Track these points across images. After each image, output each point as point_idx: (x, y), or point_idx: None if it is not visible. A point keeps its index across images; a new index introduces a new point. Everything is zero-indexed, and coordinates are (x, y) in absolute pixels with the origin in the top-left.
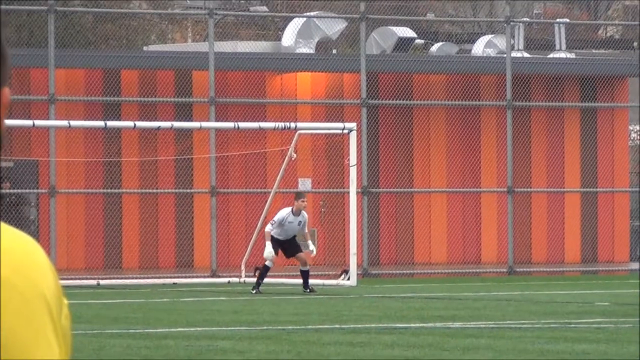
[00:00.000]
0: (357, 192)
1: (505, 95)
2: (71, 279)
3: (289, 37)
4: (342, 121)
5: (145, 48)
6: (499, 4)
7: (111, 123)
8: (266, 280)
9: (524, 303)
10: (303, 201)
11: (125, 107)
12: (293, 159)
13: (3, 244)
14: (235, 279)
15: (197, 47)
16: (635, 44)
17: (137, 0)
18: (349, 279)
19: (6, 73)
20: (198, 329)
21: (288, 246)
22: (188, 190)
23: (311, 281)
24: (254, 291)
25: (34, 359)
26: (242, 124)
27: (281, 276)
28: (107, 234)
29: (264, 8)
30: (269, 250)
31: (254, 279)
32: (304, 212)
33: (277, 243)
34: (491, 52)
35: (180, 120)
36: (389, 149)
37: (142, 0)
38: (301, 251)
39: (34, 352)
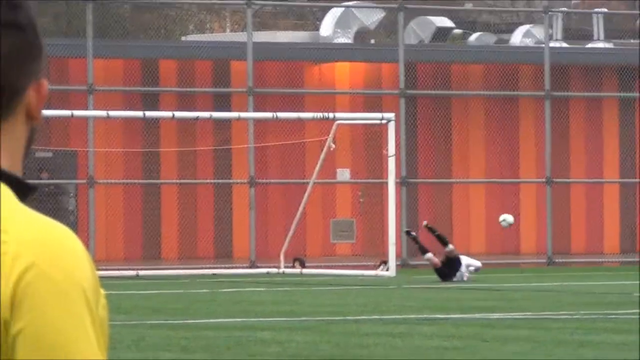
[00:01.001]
0: (396, 183)
1: (544, 85)
2: (110, 269)
3: (327, 27)
4: (381, 111)
5: (183, 38)
6: None
7: (150, 113)
8: (305, 271)
9: (563, 294)
10: None
11: (163, 97)
12: (331, 149)
13: (39, 235)
14: (274, 270)
15: (235, 37)
16: None
17: None
18: (388, 269)
19: (43, 64)
20: (237, 319)
21: None
22: (227, 181)
23: (349, 272)
24: None
25: (72, 351)
26: (281, 114)
27: (321, 267)
28: (145, 224)
29: None
30: None
31: (293, 270)
32: None
33: None
34: (529, 42)
35: (219, 111)
36: (427, 139)
37: None
38: None
39: (72, 344)
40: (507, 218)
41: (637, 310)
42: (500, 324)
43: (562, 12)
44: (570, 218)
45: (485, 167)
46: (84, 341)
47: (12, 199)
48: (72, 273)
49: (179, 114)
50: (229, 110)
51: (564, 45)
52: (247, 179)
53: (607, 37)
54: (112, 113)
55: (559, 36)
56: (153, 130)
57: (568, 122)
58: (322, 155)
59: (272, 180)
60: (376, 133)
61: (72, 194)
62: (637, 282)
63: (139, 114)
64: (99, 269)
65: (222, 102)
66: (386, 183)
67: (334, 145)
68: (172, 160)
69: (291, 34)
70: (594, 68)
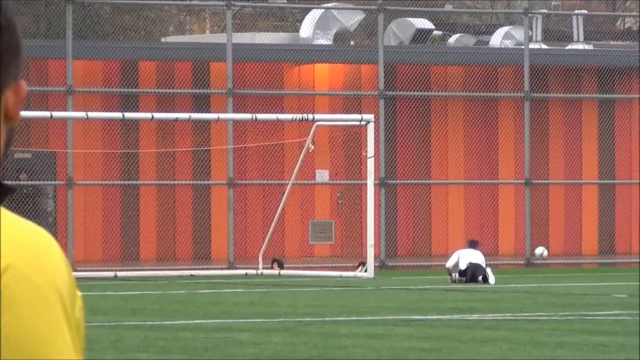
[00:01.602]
0: (375, 184)
1: (523, 86)
2: (88, 270)
3: (306, 29)
4: (360, 112)
5: (163, 39)
6: None
7: (129, 114)
8: (284, 272)
9: (541, 295)
10: None
11: (143, 98)
12: (311, 150)
13: (15, 237)
14: (253, 271)
15: (215, 39)
16: None
17: None
18: (366, 270)
19: (21, 65)
20: (215, 321)
21: None
22: (205, 182)
23: (328, 273)
24: None
25: (49, 352)
26: (260, 116)
27: (299, 268)
28: (124, 225)
29: None
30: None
31: (271, 271)
32: None
33: None
34: (509, 43)
35: (198, 112)
36: (406, 140)
37: None
38: None
39: (49, 345)
40: (542, 252)
41: (615, 312)
42: (478, 325)
43: (541, 13)
44: (549, 219)
45: (464, 168)
46: (60, 343)
47: None
48: (49, 275)
49: (158, 115)
50: (208, 112)
51: (544, 46)
52: (226, 180)
53: (587, 39)
54: (91, 114)
55: (539, 38)
56: (132, 131)
57: (547, 123)
58: (301, 157)
59: (251, 182)
60: (355, 134)
61: (50, 195)
62: (615, 283)
63: (118, 115)
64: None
65: (202, 103)
66: (365, 184)
67: (313, 147)
68: (151, 162)
69: (271, 35)
70: (574, 69)
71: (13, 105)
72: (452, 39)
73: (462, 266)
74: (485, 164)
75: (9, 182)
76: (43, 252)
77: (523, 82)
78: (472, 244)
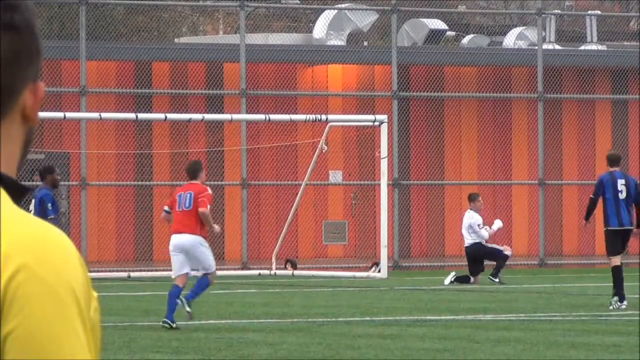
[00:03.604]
0: (388, 185)
1: (537, 87)
2: (102, 271)
3: (320, 29)
4: (373, 113)
5: (176, 40)
6: None
7: (142, 115)
8: (297, 272)
9: (555, 295)
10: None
11: (156, 99)
12: (324, 151)
13: (30, 237)
14: (266, 272)
15: (228, 39)
16: None
17: None
18: (379, 271)
19: (40, 67)
20: (228, 321)
21: None
22: (219, 183)
23: (341, 273)
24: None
25: (62, 352)
26: (273, 116)
27: (313, 268)
28: (137, 226)
29: (296, 0)
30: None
31: (285, 271)
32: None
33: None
34: (522, 44)
35: (211, 113)
36: (420, 141)
37: None
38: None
39: (62, 345)
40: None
41: (629, 312)
42: (492, 325)
43: (555, 14)
44: (562, 220)
45: (477, 168)
46: (74, 342)
47: (6, 200)
48: (62, 274)
49: (171, 116)
50: (222, 112)
51: (557, 47)
52: (240, 180)
53: (600, 39)
54: (105, 115)
55: (552, 38)
56: (145, 132)
57: (561, 124)
58: (315, 157)
59: (265, 182)
60: (369, 135)
61: (64, 196)
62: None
63: (132, 116)
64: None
65: (215, 104)
66: (378, 185)
67: (326, 147)
68: (164, 162)
69: (284, 36)
70: (587, 70)
71: (31, 106)
72: (466, 40)
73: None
74: (498, 165)
75: (25, 183)
76: (57, 252)
77: (536, 82)
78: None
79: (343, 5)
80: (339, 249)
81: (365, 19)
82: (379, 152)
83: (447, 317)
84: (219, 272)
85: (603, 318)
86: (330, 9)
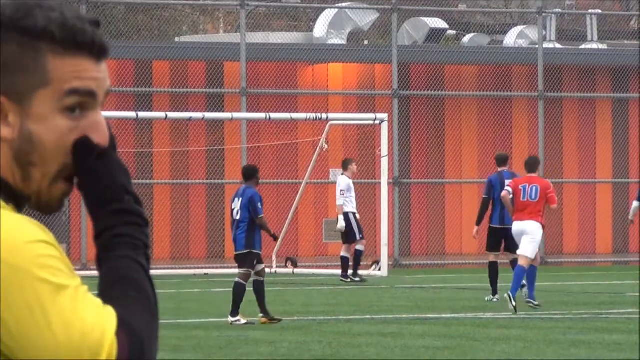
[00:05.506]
0: (389, 183)
1: (537, 86)
2: None
3: (320, 28)
4: (374, 112)
5: (177, 39)
6: None
7: (142, 114)
8: (297, 270)
9: (555, 294)
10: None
11: (156, 98)
12: (324, 149)
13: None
14: (267, 270)
15: (229, 38)
16: None
17: None
18: (380, 269)
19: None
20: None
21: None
22: (219, 181)
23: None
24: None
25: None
26: (274, 115)
27: (313, 267)
28: None
29: None
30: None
31: (285, 270)
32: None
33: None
34: (523, 43)
35: (212, 111)
36: (420, 139)
37: None
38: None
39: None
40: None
41: (629, 310)
42: (492, 323)
43: (555, 13)
44: (563, 218)
45: (478, 167)
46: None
47: None
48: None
49: (171, 114)
50: (222, 111)
51: (558, 46)
52: (240, 179)
53: (601, 38)
54: (105, 113)
55: (553, 37)
56: (146, 130)
57: (561, 122)
58: (315, 156)
59: (265, 181)
60: (369, 134)
61: None
62: (629, 282)
63: (132, 114)
64: (90, 270)
65: (215, 102)
66: (379, 183)
67: (326, 146)
68: (164, 161)
69: (285, 35)
70: (588, 69)
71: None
72: (466, 39)
73: None
74: None
75: None
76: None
77: (537, 81)
78: None
79: (343, 4)
80: (339, 247)
81: (365, 18)
82: (380, 150)
83: (447, 315)
84: (219, 271)
85: (603, 316)
86: (330, 7)
